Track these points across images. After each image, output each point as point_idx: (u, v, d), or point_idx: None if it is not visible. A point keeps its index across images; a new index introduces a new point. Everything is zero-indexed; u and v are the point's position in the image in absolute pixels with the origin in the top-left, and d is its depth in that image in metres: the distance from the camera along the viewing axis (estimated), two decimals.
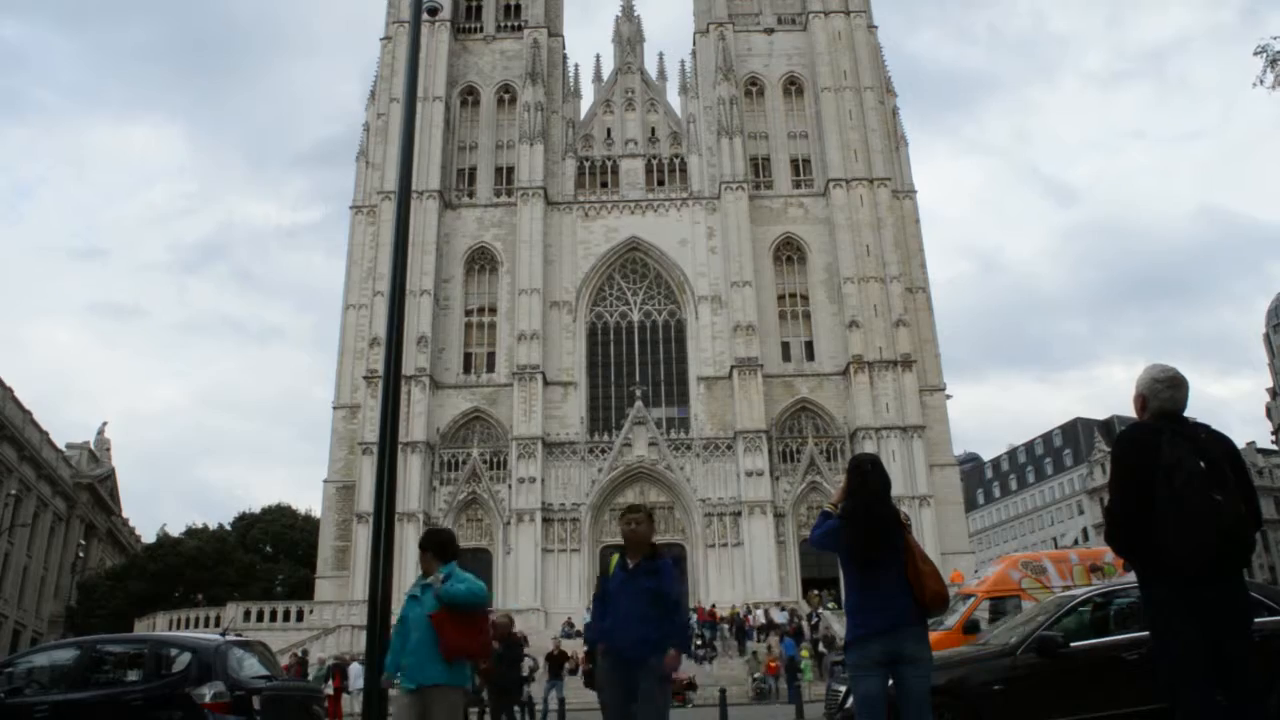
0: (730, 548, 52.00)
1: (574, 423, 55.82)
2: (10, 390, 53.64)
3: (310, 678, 29.68)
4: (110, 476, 70.49)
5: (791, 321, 58.52)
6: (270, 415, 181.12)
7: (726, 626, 43.67)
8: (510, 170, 61.27)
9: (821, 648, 38.76)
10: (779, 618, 43.68)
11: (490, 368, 57.58)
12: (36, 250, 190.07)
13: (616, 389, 57.21)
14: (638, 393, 55.55)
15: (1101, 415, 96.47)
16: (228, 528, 72.15)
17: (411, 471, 51.24)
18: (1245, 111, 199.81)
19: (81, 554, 63.38)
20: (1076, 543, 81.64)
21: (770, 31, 64.53)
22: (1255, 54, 12.78)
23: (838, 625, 39.05)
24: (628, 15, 67.52)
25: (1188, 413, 5.13)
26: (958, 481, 58.27)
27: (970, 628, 15.59)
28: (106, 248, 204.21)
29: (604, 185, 61.79)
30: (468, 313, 58.94)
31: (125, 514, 77.80)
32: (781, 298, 58.82)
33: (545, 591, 50.85)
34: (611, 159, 62.40)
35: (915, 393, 54.56)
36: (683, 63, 66.68)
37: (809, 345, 57.82)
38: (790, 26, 64.53)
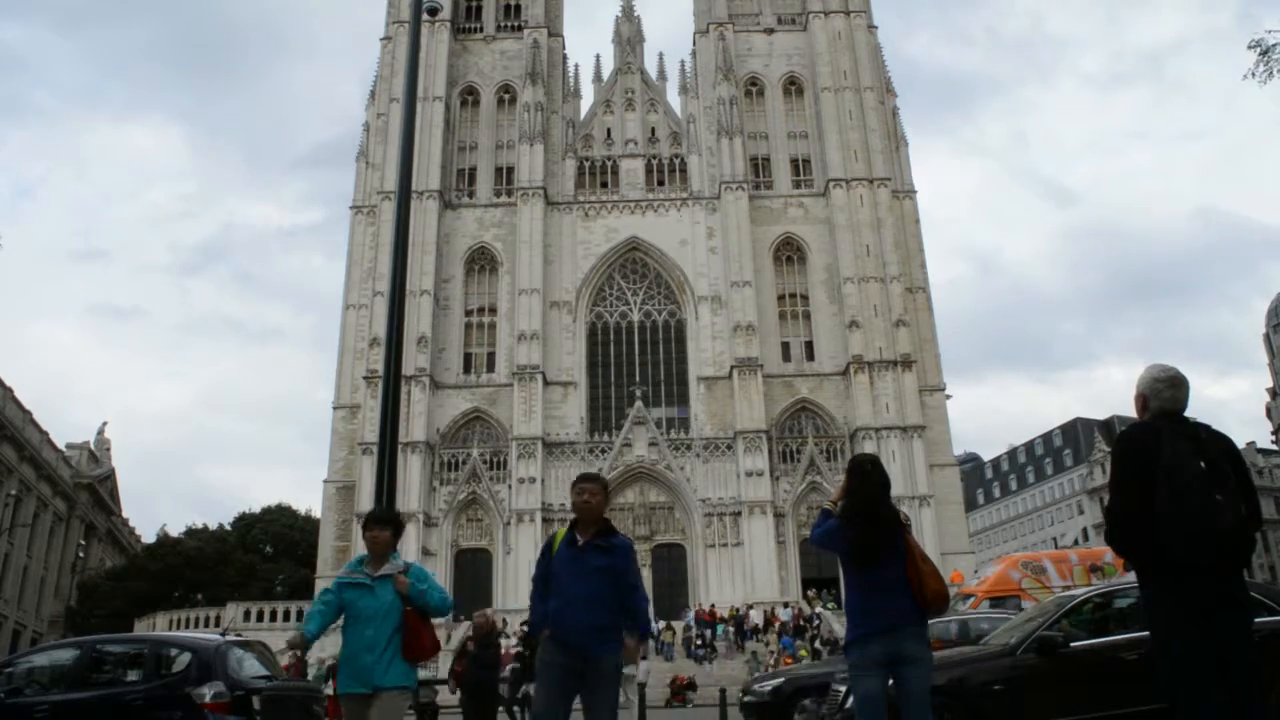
0: (730, 548, 51.99)
1: (574, 423, 55.82)
2: (10, 390, 53.63)
3: (310, 678, 29.65)
4: (110, 476, 70.49)
5: (791, 321, 58.52)
6: (270, 416, 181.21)
7: (732, 629, 43.74)
8: (510, 170, 61.27)
9: (818, 645, 38.76)
10: (784, 615, 43.69)
11: (490, 368, 57.58)
12: (37, 251, 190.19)
13: (616, 389, 57.21)
14: (638, 393, 55.55)
15: (1101, 415, 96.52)
16: (228, 528, 72.15)
17: (411, 471, 51.24)
18: (1243, 113, 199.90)
19: (81, 554, 63.37)
20: (1076, 543, 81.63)
21: (770, 31, 64.53)
22: (1249, 48, 12.78)
23: (838, 625, 39.04)
24: (628, 15, 67.52)
25: (1188, 413, 5.13)
26: (958, 481, 58.25)
27: None
28: (107, 249, 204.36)
29: (604, 185, 61.79)
30: (468, 313, 58.94)
31: (125, 514, 77.84)
32: (781, 298, 58.82)
33: None
34: (611, 159, 62.40)
35: (915, 393, 54.57)
36: (683, 63, 66.73)
37: (809, 345, 57.82)
38: (790, 26, 64.53)
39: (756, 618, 44.70)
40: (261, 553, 68.18)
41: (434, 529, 52.30)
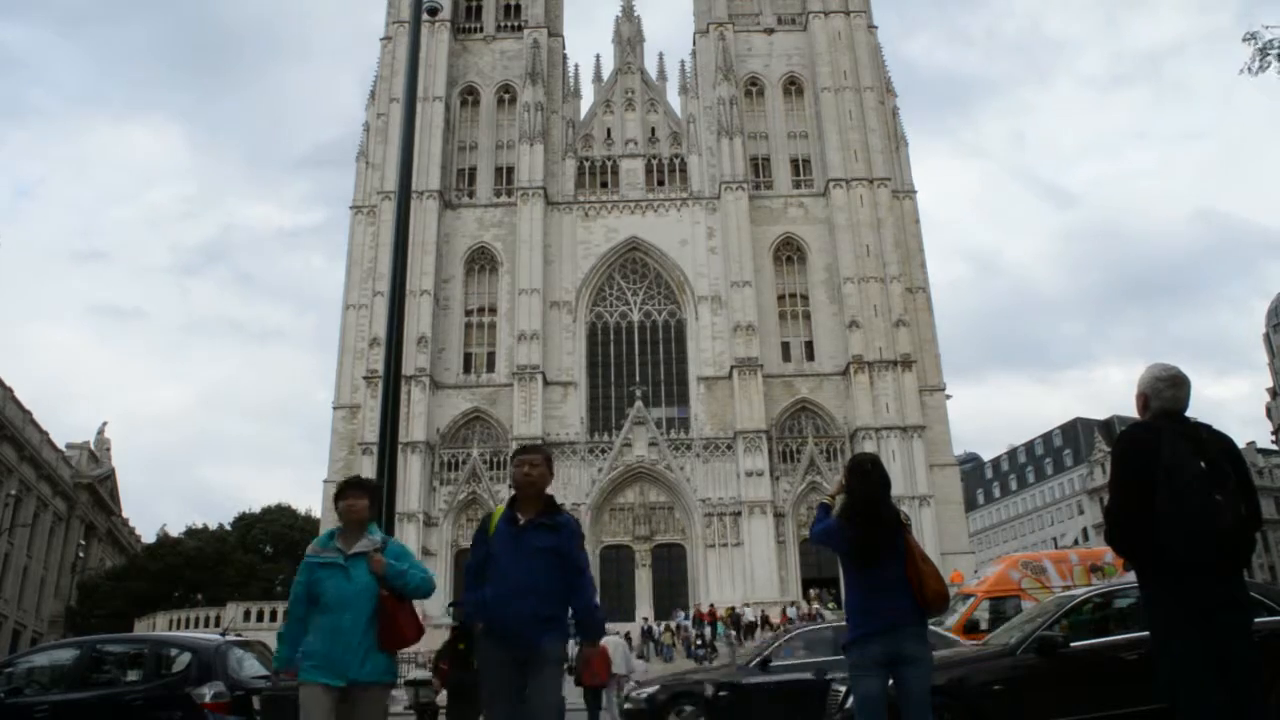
0: (730, 548, 51.99)
1: (574, 423, 55.82)
2: (10, 390, 53.63)
3: None
4: (110, 476, 70.48)
5: (791, 321, 58.52)
6: (270, 416, 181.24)
7: (734, 631, 43.75)
8: (510, 170, 61.29)
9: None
10: (792, 615, 43.63)
11: (490, 368, 57.59)
12: (38, 252, 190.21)
13: (616, 389, 57.22)
14: (638, 393, 55.55)
15: (1101, 415, 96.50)
16: (228, 528, 72.14)
17: (411, 471, 51.25)
18: (1241, 114, 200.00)
19: (81, 554, 63.37)
20: (1076, 543, 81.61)
21: (770, 31, 64.54)
22: (1244, 40, 12.76)
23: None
24: (628, 15, 67.53)
25: (1188, 413, 5.12)
26: (958, 481, 58.26)
27: (970, 628, 15.60)
28: (108, 249, 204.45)
29: (604, 185, 61.80)
30: (468, 313, 58.95)
31: (125, 514, 77.83)
32: (781, 298, 58.83)
33: None
34: (611, 159, 62.41)
35: (915, 393, 54.57)
36: (683, 63, 66.76)
37: (809, 345, 57.82)
38: (790, 26, 64.54)
39: (752, 616, 44.69)
40: (261, 553, 68.18)
41: (434, 529, 52.31)
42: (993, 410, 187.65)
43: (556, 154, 61.86)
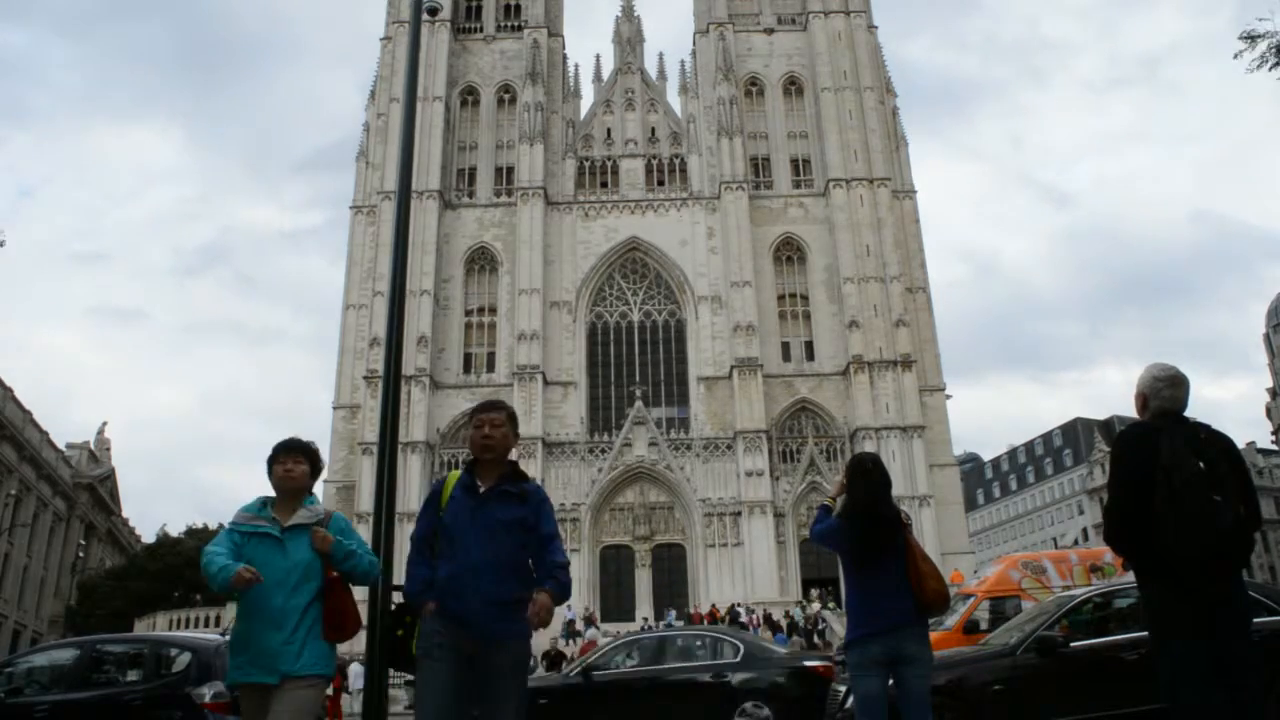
0: (730, 548, 51.97)
1: (574, 423, 55.81)
2: (10, 390, 53.61)
3: None
4: (110, 476, 70.44)
5: (791, 321, 58.51)
6: (271, 416, 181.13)
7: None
8: (510, 170, 61.27)
9: (816, 641, 38.75)
10: (797, 615, 43.58)
11: (490, 368, 57.57)
12: (39, 253, 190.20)
13: (616, 389, 57.21)
14: (638, 393, 55.53)
15: (1101, 415, 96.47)
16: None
17: (411, 471, 51.23)
18: (1239, 117, 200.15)
19: (81, 554, 63.32)
20: (1076, 543, 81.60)
21: (770, 32, 64.52)
22: (1240, 38, 12.73)
23: (838, 625, 39.03)
24: (628, 15, 67.52)
25: (1187, 413, 5.12)
26: (958, 481, 58.25)
27: (970, 628, 15.59)
28: (108, 251, 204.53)
29: (604, 185, 61.79)
30: (468, 313, 58.94)
31: (125, 514, 77.79)
32: (781, 298, 58.81)
33: None
34: (611, 159, 62.40)
35: (915, 393, 54.55)
36: (683, 63, 66.77)
37: (809, 345, 57.80)
38: (790, 26, 64.52)
39: (745, 616, 44.66)
40: None
41: None
42: (992, 410, 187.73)
43: (556, 154, 61.84)
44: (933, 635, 7.54)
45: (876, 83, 61.82)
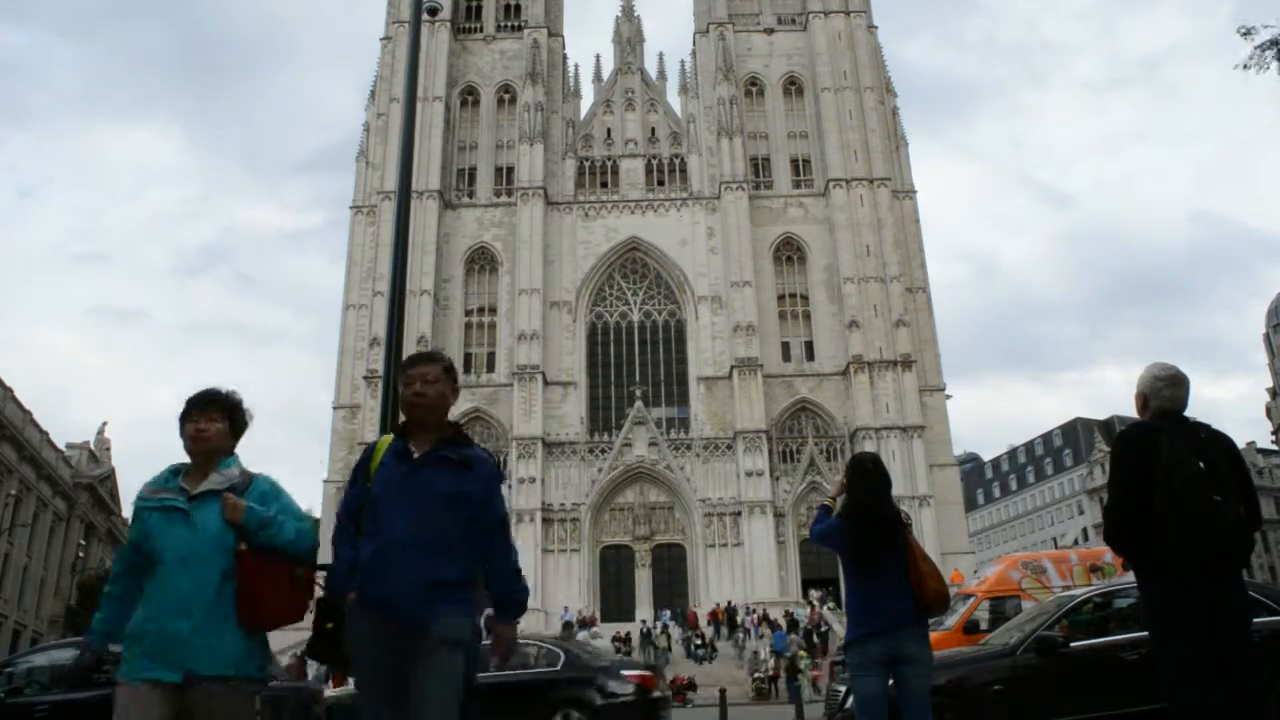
0: (730, 548, 51.98)
1: (574, 423, 55.81)
2: (10, 390, 53.60)
3: (310, 677, 29.65)
4: (110, 476, 70.42)
5: (791, 321, 58.50)
6: (271, 416, 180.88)
7: (724, 627, 43.73)
8: (510, 170, 61.28)
9: (814, 639, 38.75)
10: (801, 615, 43.59)
11: (490, 368, 57.57)
12: (39, 253, 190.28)
13: (616, 389, 57.20)
14: (638, 393, 55.54)
15: (1101, 415, 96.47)
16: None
17: None
18: (1237, 118, 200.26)
19: (81, 554, 63.31)
20: (1076, 543, 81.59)
21: (770, 32, 64.53)
22: (1239, 33, 12.71)
23: (837, 625, 39.02)
24: (628, 15, 67.53)
25: (1187, 412, 5.12)
26: (958, 481, 58.24)
27: (970, 628, 15.60)
28: (109, 251, 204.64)
29: (604, 185, 61.79)
30: (468, 313, 58.94)
31: (125, 514, 77.81)
32: (781, 298, 58.81)
33: (545, 592, 50.78)
34: (611, 159, 62.40)
35: (915, 393, 54.55)
36: (683, 63, 66.77)
37: (809, 345, 57.80)
38: (790, 26, 64.52)
39: (745, 616, 44.71)
40: None
41: None
42: (992, 410, 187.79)
43: (556, 154, 61.84)
44: (933, 635, 7.53)
45: (876, 83, 61.82)
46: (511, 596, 4.38)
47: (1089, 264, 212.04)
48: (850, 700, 7.62)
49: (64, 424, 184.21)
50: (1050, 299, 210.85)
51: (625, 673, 13.28)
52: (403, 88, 12.90)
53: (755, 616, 44.08)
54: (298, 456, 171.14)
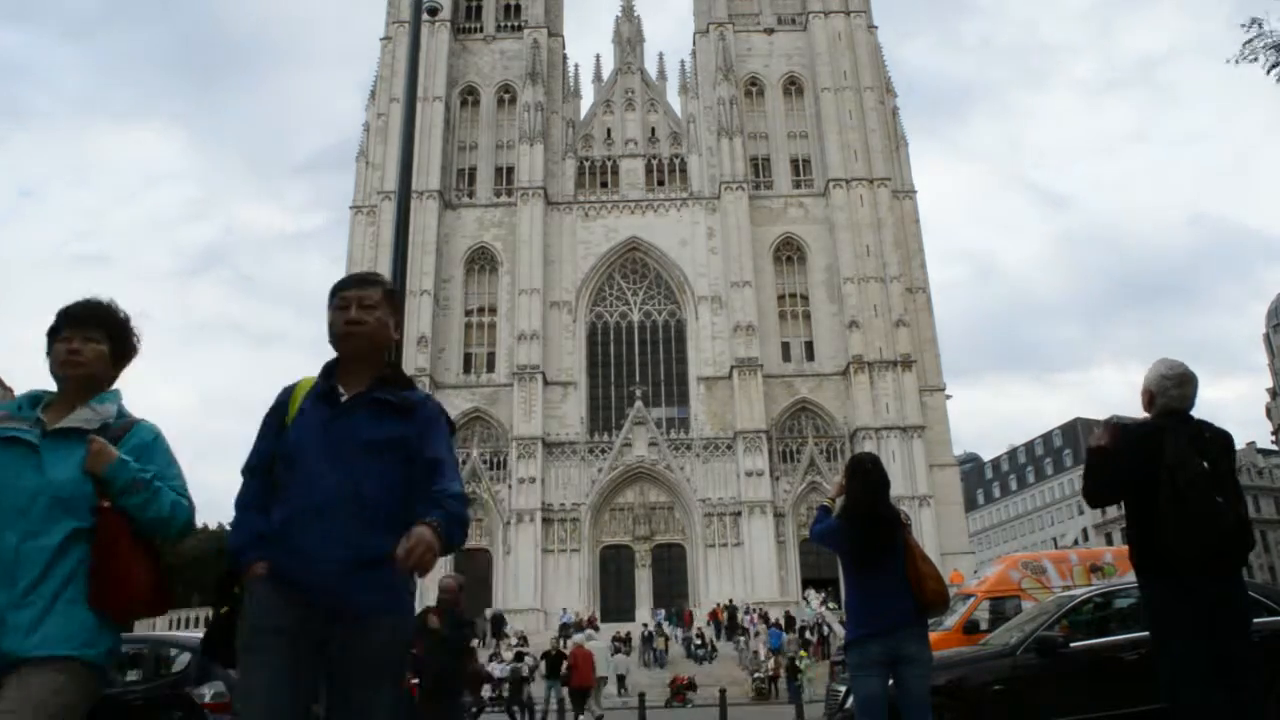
0: (730, 548, 51.98)
1: (574, 423, 55.80)
2: (11, 391, 53.64)
3: None
4: None
5: (791, 321, 58.49)
6: None
7: (720, 627, 43.75)
8: (510, 170, 61.26)
9: (807, 635, 38.77)
10: (807, 615, 43.56)
11: (490, 368, 57.57)
12: (40, 254, 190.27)
13: (616, 389, 57.19)
14: (638, 393, 55.53)
15: (1101, 416, 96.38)
16: (228, 528, 72.05)
17: None
18: (1235, 120, 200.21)
19: None
20: (1076, 543, 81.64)
21: (770, 32, 64.50)
22: (1243, 27, 12.69)
23: (837, 625, 39.03)
24: (628, 15, 67.51)
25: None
26: (958, 482, 58.23)
27: (970, 628, 15.59)
28: (109, 252, 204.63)
29: (604, 185, 61.78)
30: (468, 313, 58.93)
31: None
32: (781, 298, 58.79)
33: (545, 592, 50.84)
34: (611, 159, 62.39)
35: (915, 393, 54.54)
36: (683, 63, 66.76)
37: (809, 345, 57.79)
38: (790, 27, 64.50)
39: (745, 616, 44.71)
40: None
41: None
42: (992, 411, 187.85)
43: (556, 154, 61.83)
44: (933, 635, 7.54)
45: (876, 82, 61.80)
46: (442, 504, 3.25)
47: (1088, 265, 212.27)
48: (850, 700, 7.62)
49: None
50: (1050, 299, 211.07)
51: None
52: (403, 88, 12.91)
53: (754, 616, 44.11)
54: None
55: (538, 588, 50.77)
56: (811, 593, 47.74)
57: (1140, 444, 4.88)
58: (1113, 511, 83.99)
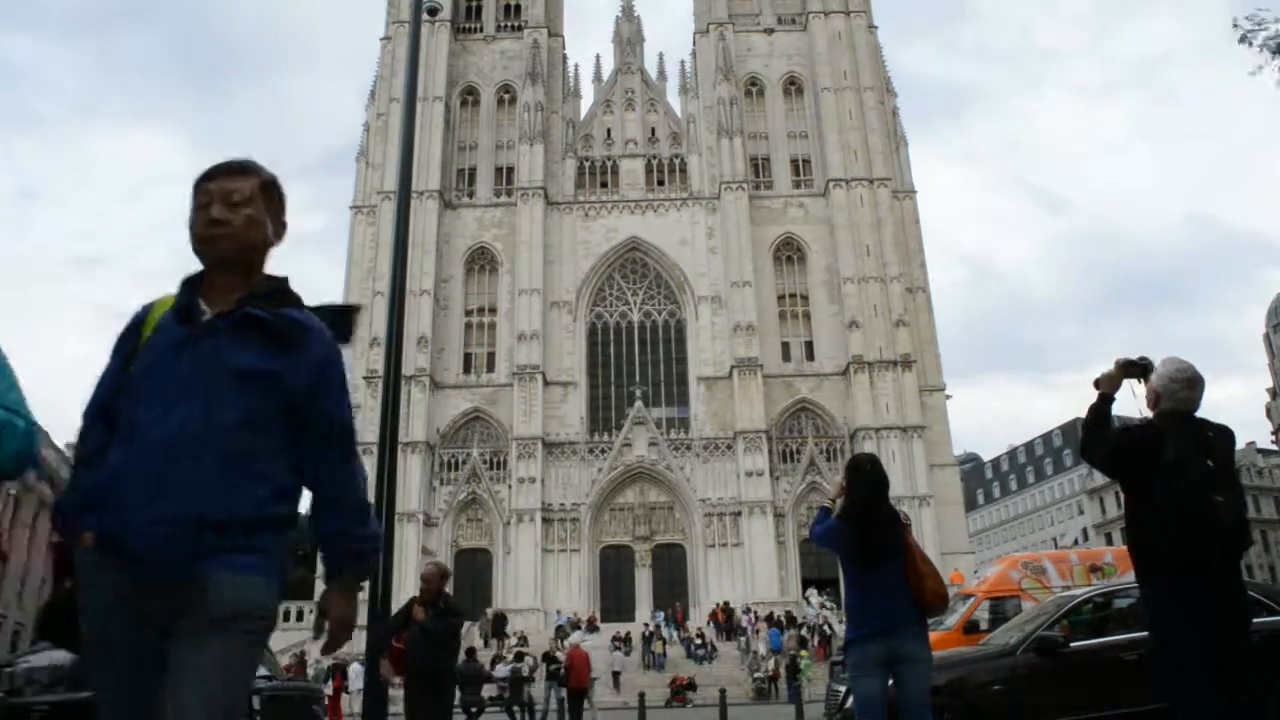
0: (730, 548, 51.95)
1: (574, 423, 55.78)
2: None
3: (310, 677, 29.69)
4: None
5: (791, 321, 58.47)
6: None
7: (718, 628, 43.75)
8: (510, 170, 61.24)
9: (804, 633, 38.76)
10: (811, 615, 43.53)
11: (490, 368, 57.54)
12: (40, 255, 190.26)
13: (616, 389, 57.17)
14: (638, 393, 55.51)
15: None
16: None
17: (411, 472, 51.17)
18: (1234, 122, 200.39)
19: None
20: (1076, 543, 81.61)
21: (770, 32, 64.49)
22: (1235, 27, 12.62)
23: (838, 625, 39.02)
24: (628, 15, 67.50)
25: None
26: (958, 481, 58.21)
27: (970, 628, 15.60)
28: (109, 254, 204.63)
29: (604, 185, 61.76)
30: (468, 313, 58.91)
31: None
32: (781, 298, 58.77)
33: (545, 592, 50.82)
34: (611, 159, 62.37)
35: (915, 393, 54.52)
36: (683, 63, 66.73)
37: (809, 345, 57.77)
38: (790, 27, 64.48)
39: (744, 616, 44.67)
40: None
41: (434, 529, 52.27)
42: (992, 411, 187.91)
43: (556, 154, 61.81)
44: (933, 635, 7.54)
45: (876, 83, 61.77)
46: (349, 543, 2.76)
47: (1087, 266, 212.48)
48: (850, 700, 7.62)
49: (64, 424, 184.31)
50: (1049, 300, 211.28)
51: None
52: (403, 88, 12.90)
53: (753, 616, 44.10)
54: None
55: (538, 588, 50.75)
56: (813, 592, 47.74)
57: (1141, 444, 4.88)
58: (1113, 511, 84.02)
